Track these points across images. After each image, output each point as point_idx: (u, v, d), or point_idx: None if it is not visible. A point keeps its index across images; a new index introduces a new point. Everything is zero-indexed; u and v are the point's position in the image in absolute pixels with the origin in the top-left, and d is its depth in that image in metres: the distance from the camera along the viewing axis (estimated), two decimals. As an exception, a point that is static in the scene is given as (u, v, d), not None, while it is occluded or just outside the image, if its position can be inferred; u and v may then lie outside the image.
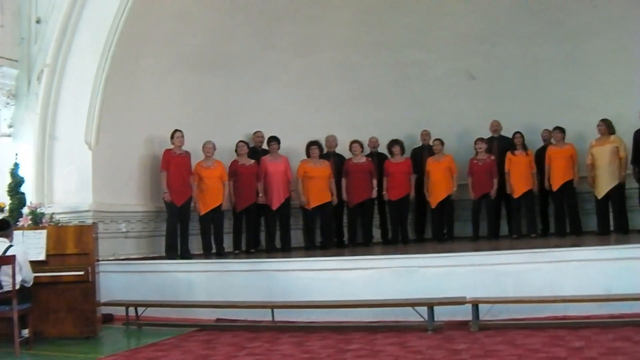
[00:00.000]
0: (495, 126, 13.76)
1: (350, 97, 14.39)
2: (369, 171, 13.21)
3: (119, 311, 9.94)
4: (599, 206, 12.47)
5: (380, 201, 13.61)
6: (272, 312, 9.15)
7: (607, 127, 12.42)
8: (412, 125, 14.16)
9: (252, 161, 12.69)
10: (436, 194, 13.24)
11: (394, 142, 13.52)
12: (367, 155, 13.56)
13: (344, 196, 13.21)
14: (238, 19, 13.21)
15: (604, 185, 12.30)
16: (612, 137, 12.40)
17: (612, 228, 12.47)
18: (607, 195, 12.30)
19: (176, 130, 11.85)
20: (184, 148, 11.96)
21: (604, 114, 12.62)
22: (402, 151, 13.54)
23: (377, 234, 13.89)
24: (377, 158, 13.67)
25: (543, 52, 14.10)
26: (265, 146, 13.25)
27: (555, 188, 12.77)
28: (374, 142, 13.96)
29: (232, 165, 12.52)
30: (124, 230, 11.80)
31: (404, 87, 14.62)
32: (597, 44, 13.60)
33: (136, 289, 10.26)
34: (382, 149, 13.87)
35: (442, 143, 13.46)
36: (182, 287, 10.22)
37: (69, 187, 11.30)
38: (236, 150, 12.68)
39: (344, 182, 13.20)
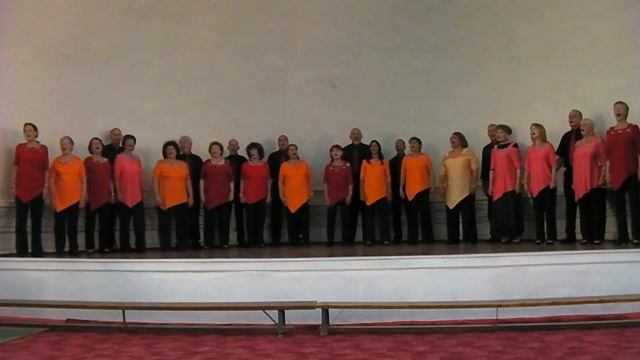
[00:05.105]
0: (356, 134, 14.02)
1: (211, 99, 14.27)
2: (227, 173, 13.19)
3: (-36, 310, 9.59)
4: (450, 216, 12.88)
5: (237, 204, 13.62)
6: (124, 313, 9.06)
7: (459, 140, 12.86)
8: (272, 130, 14.22)
9: (106, 159, 12.38)
10: (296, 199, 13.34)
11: (252, 145, 13.51)
12: (226, 158, 13.53)
13: (202, 198, 13.16)
14: (102, 14, 13.02)
15: (455, 196, 12.69)
16: (465, 150, 12.83)
17: (461, 237, 12.94)
18: (458, 206, 12.71)
19: (26, 124, 11.41)
20: (43, 143, 11.59)
21: (457, 127, 13.09)
22: (261, 155, 13.58)
23: (233, 236, 13.89)
24: (236, 161, 13.69)
25: (403, 64, 14.48)
26: (122, 144, 12.96)
27: (410, 197, 13.06)
28: (233, 145, 13.95)
29: (86, 163, 12.10)
30: (-27, 225, 11.39)
31: (266, 91, 14.69)
32: (454, 60, 14.10)
33: (-17, 286, 9.93)
34: (242, 152, 13.87)
35: (296, 148, 13.57)
36: (31, 285, 9.95)
37: None
38: (89, 148, 12.31)
39: (202, 183, 13.11)
